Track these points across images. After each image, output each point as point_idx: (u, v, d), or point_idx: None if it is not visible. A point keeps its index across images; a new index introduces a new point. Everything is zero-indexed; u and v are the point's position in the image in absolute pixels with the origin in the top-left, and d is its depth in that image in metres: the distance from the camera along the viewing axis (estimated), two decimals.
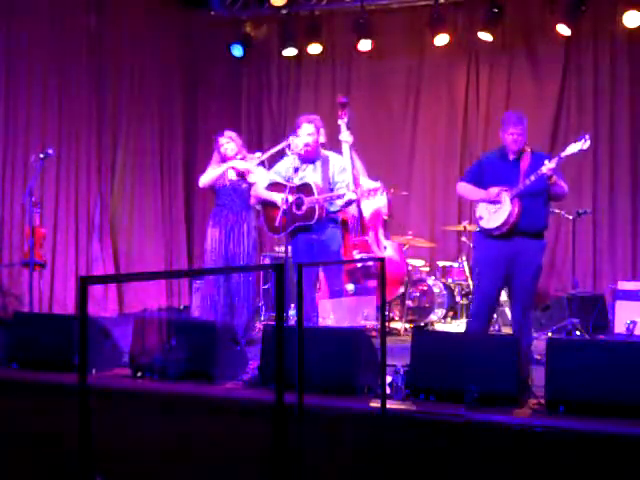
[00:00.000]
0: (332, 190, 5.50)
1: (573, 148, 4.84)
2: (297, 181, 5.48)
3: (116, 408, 3.89)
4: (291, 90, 9.13)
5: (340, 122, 6.22)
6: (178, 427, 3.80)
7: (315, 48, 8.44)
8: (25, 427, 3.96)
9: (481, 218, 5.04)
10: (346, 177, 5.68)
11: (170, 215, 8.65)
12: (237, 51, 8.64)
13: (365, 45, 8.19)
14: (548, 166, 4.75)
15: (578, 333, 6.01)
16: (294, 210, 5.40)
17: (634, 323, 6.05)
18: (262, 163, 5.82)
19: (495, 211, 4.93)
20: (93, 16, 7.68)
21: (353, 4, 8.31)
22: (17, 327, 4.75)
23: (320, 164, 5.56)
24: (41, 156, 6.01)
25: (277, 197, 5.44)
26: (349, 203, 5.55)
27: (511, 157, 5.00)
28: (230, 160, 5.84)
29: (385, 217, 6.60)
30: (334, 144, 6.24)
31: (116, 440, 3.64)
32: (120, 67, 8.04)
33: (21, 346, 4.63)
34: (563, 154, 4.83)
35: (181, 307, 8.49)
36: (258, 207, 5.84)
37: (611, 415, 3.44)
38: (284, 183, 5.48)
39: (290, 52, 8.54)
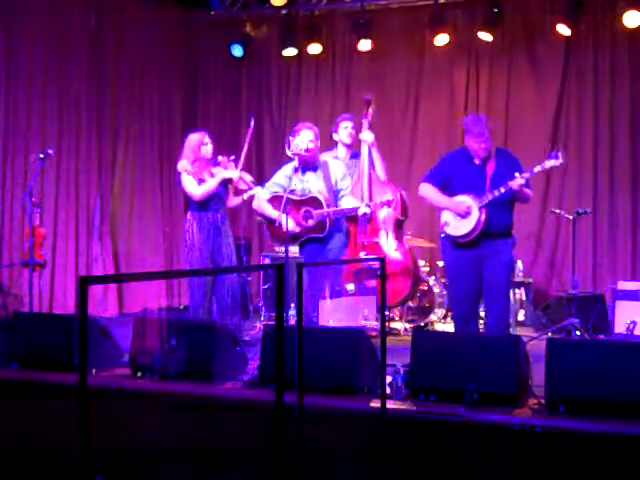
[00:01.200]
0: (336, 196, 5.49)
1: (547, 164, 4.86)
2: (299, 189, 5.44)
3: (116, 408, 3.89)
4: (291, 90, 9.12)
5: (363, 121, 6.22)
6: (178, 427, 3.80)
7: (315, 48, 8.43)
8: (25, 427, 3.96)
9: (447, 224, 5.04)
10: (349, 182, 5.67)
11: (170, 215, 8.65)
12: (237, 51, 8.64)
13: (365, 45, 8.18)
14: (518, 182, 4.77)
15: (578, 333, 6.00)
16: (302, 222, 5.39)
17: (634, 323, 6.04)
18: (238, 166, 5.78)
19: (461, 219, 4.94)
20: (93, 16, 7.69)
21: (353, 4, 8.32)
22: (17, 327, 4.75)
23: (321, 171, 5.54)
24: (41, 156, 6.01)
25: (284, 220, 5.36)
26: (363, 215, 5.60)
27: (477, 161, 5.00)
28: (199, 161, 5.70)
29: (400, 217, 6.52)
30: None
31: (116, 440, 3.64)
32: (120, 67, 8.04)
33: (21, 346, 4.63)
34: (536, 169, 4.85)
35: (181, 307, 8.49)
36: (260, 219, 5.79)
37: (611, 415, 3.44)
38: (287, 196, 5.44)
39: (290, 52, 8.53)
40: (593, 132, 7.83)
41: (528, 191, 4.95)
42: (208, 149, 5.75)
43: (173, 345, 4.25)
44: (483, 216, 4.87)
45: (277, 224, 5.36)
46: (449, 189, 5.04)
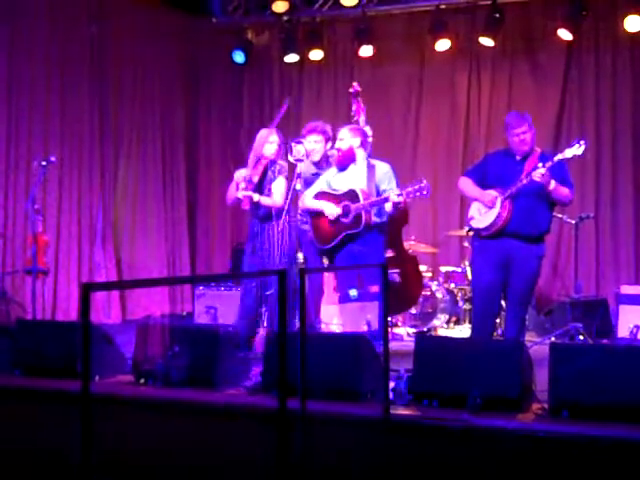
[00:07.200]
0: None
1: (567, 153, 4.81)
2: (339, 185, 5.41)
3: (119, 415, 3.89)
4: (293, 96, 9.13)
5: (361, 117, 6.19)
6: (181, 434, 3.80)
7: (317, 54, 8.45)
8: (28, 434, 3.96)
9: (472, 218, 5.06)
10: (393, 185, 5.42)
11: (173, 222, 8.66)
12: (239, 58, 8.66)
13: (366, 51, 8.20)
14: (539, 171, 4.71)
15: (581, 338, 5.99)
16: (341, 219, 5.33)
17: (637, 327, 6.02)
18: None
19: (486, 212, 4.94)
20: (95, 23, 7.71)
21: (354, 10, 8.33)
22: (20, 334, 4.75)
23: (364, 170, 5.44)
24: (43, 163, 6.03)
25: (325, 206, 5.36)
26: (395, 206, 5.23)
27: (518, 157, 4.99)
28: (259, 162, 5.56)
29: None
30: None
31: (118, 447, 3.63)
32: (122, 74, 8.06)
33: (24, 353, 4.62)
34: (556, 158, 4.80)
35: (184, 314, 8.48)
36: (306, 219, 5.65)
37: (615, 420, 3.42)
38: (331, 192, 5.42)
39: (292, 58, 8.55)
40: (595, 137, 7.81)
41: (562, 190, 4.83)
42: (272, 148, 5.52)
43: (176, 352, 4.25)
44: (506, 212, 4.83)
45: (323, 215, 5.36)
46: (486, 183, 5.01)
